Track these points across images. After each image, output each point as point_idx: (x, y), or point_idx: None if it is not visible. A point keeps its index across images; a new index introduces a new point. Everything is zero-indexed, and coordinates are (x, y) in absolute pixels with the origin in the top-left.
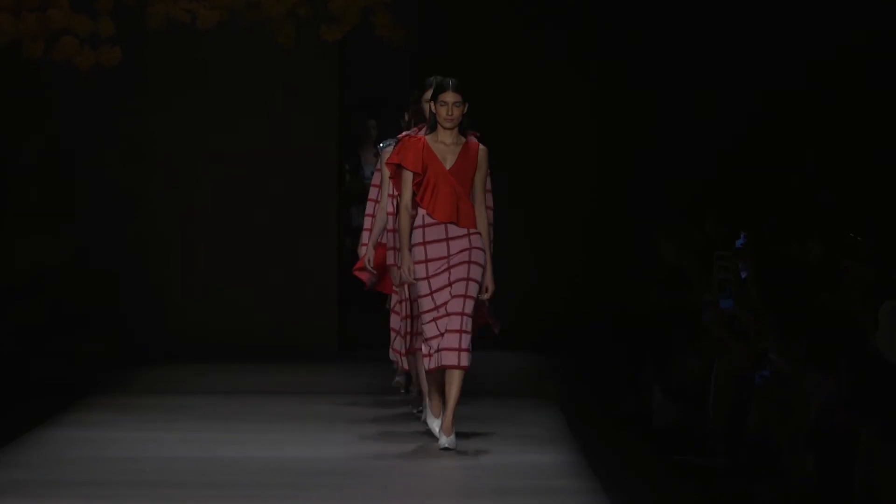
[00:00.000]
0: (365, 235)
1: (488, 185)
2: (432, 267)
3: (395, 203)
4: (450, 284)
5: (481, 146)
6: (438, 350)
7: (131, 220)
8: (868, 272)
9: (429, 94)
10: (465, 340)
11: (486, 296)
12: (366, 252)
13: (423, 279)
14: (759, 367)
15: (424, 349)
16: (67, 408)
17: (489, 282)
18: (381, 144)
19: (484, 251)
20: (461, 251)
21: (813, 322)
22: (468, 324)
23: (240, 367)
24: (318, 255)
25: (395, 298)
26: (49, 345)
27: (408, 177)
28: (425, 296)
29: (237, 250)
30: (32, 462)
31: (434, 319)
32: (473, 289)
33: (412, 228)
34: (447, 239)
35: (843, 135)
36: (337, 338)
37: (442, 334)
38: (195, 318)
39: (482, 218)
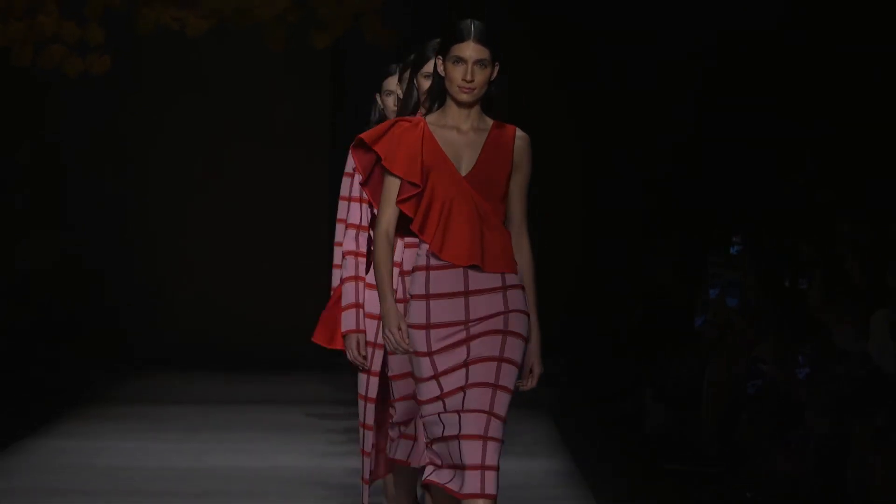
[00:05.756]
0: (336, 276)
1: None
2: (437, 337)
3: (360, 237)
4: (467, 365)
5: (520, 132)
6: (449, 466)
7: (124, 226)
8: (861, 279)
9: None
10: (492, 454)
11: (528, 384)
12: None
13: (422, 355)
14: (751, 377)
15: (427, 457)
16: (58, 416)
17: (535, 360)
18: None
19: (527, 315)
20: (491, 316)
21: (807, 327)
22: (498, 429)
23: (232, 375)
24: (311, 264)
25: (362, 382)
26: (40, 352)
27: (392, 187)
28: (426, 380)
29: (230, 258)
30: (23, 470)
31: (439, 413)
32: (509, 376)
33: (412, 270)
34: (466, 293)
35: (842, 138)
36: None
37: (454, 438)
38: (188, 326)
39: (523, 254)
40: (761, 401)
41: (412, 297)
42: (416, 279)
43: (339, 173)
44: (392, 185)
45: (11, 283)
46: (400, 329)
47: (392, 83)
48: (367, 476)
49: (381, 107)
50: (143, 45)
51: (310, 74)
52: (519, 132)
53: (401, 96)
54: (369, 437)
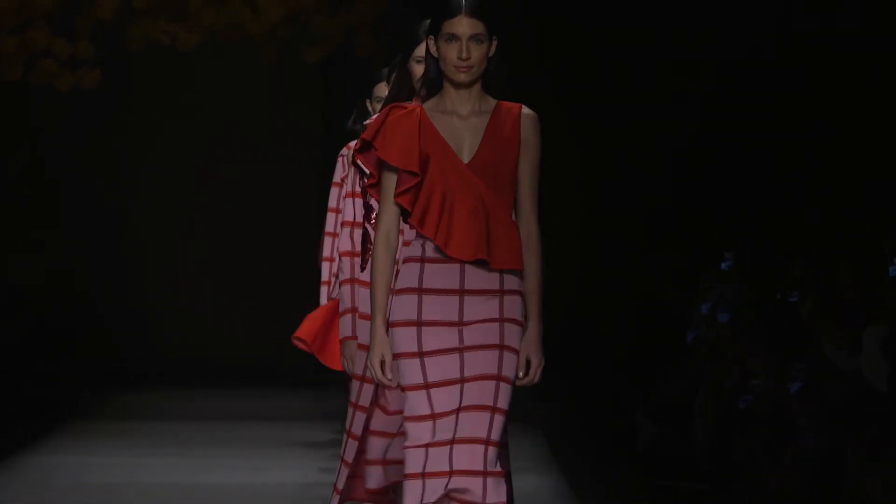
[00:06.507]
0: (324, 293)
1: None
2: (429, 336)
3: (354, 235)
4: (463, 382)
5: (526, 109)
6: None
7: (116, 241)
8: (854, 295)
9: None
10: (496, 491)
11: (524, 379)
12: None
13: (410, 355)
14: (743, 391)
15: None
16: (50, 432)
17: (532, 349)
18: (351, 147)
19: (522, 325)
20: (486, 321)
21: (799, 342)
22: (495, 459)
23: (223, 391)
24: (303, 278)
25: (354, 389)
26: (32, 367)
27: (390, 181)
28: (416, 388)
29: (222, 273)
30: (16, 486)
31: (427, 445)
32: (506, 396)
33: (396, 266)
34: (462, 292)
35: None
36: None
37: (449, 474)
38: (180, 341)
39: (531, 245)
40: (753, 416)
41: (402, 290)
42: (408, 271)
43: (329, 187)
44: (390, 180)
45: (3, 298)
46: (383, 362)
47: (382, 89)
48: (339, 485)
49: (372, 114)
50: (134, 60)
51: (300, 88)
52: (525, 110)
53: None
54: (353, 446)
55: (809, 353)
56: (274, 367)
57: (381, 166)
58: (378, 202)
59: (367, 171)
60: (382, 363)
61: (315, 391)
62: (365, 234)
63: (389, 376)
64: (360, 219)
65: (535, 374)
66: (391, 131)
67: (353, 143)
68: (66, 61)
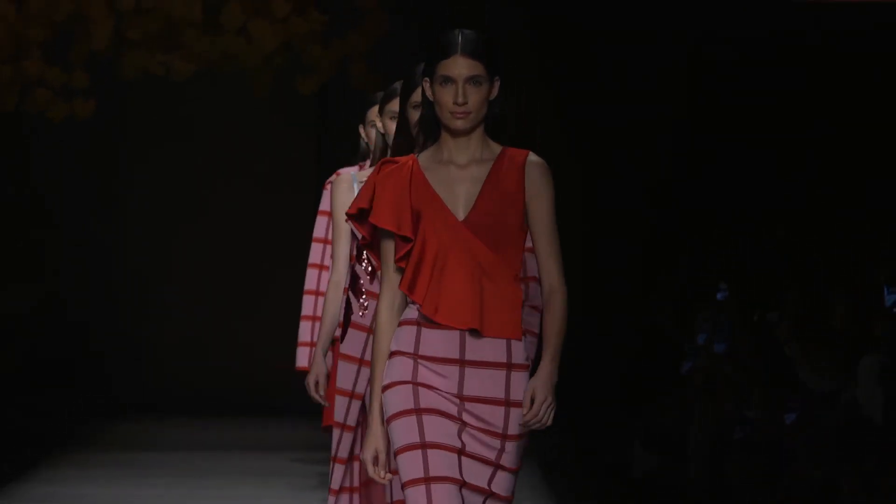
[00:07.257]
0: (304, 329)
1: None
2: (427, 396)
3: (349, 273)
4: (463, 451)
5: (532, 157)
6: None
7: (108, 270)
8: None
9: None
10: None
11: (527, 416)
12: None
13: (407, 413)
14: (738, 422)
15: None
16: (42, 463)
17: (538, 387)
18: (340, 174)
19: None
20: (489, 402)
21: (794, 373)
22: None
23: (216, 421)
24: (296, 309)
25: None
26: (23, 397)
27: (388, 248)
28: (407, 449)
29: (215, 302)
30: None
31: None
32: (506, 485)
33: (399, 324)
34: (462, 362)
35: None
36: None
37: None
38: (171, 371)
39: (556, 308)
40: (748, 446)
41: (396, 353)
42: (404, 334)
43: None
44: (388, 244)
45: None
46: (377, 458)
47: (376, 113)
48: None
49: (365, 140)
50: (128, 90)
51: (295, 117)
52: (531, 157)
53: (381, 129)
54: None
55: (804, 384)
56: (270, 396)
57: (377, 231)
58: (376, 264)
59: (360, 235)
60: (376, 459)
61: (307, 420)
62: (354, 277)
63: (383, 473)
64: (354, 252)
65: (539, 411)
66: (380, 192)
67: (342, 170)
68: (59, 91)
